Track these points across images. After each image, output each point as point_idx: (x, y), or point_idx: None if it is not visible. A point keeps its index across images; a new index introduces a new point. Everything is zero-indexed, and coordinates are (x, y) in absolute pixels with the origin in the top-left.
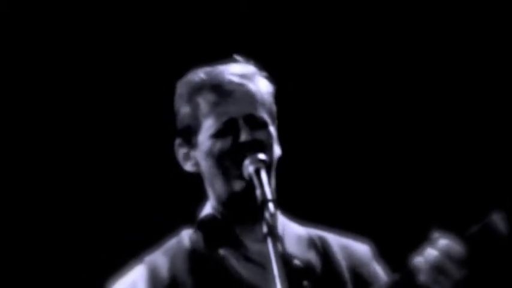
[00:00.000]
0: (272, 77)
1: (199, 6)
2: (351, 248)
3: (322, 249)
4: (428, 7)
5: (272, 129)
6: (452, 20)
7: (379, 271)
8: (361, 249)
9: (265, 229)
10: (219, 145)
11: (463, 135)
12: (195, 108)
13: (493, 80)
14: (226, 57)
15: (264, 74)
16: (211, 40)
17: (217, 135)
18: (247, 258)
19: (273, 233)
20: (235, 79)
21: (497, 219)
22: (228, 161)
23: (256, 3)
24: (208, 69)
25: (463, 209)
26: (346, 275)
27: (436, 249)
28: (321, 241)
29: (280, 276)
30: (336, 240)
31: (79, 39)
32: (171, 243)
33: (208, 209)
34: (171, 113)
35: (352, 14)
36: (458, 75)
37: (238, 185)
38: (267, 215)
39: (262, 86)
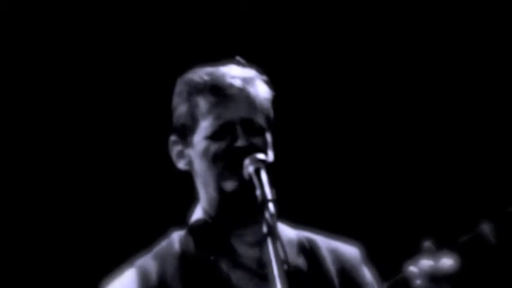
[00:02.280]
0: (270, 78)
1: (200, 6)
2: (340, 251)
3: (311, 253)
4: (428, 7)
5: (268, 135)
6: (453, 20)
7: (368, 275)
8: (351, 252)
9: (265, 229)
10: (214, 147)
11: (453, 146)
12: (194, 107)
13: (491, 89)
14: (225, 57)
15: (264, 78)
16: (211, 40)
17: (213, 137)
18: (238, 264)
19: (273, 233)
20: (236, 82)
21: (486, 229)
22: (222, 164)
23: (256, 3)
24: (209, 69)
25: (454, 218)
26: (335, 280)
27: (429, 258)
28: (310, 244)
29: (280, 276)
30: (326, 243)
31: (79, 39)
32: (162, 246)
33: (199, 212)
34: (166, 114)
35: (352, 14)
36: (456, 81)
37: (229, 185)
38: (267, 215)
39: (261, 91)
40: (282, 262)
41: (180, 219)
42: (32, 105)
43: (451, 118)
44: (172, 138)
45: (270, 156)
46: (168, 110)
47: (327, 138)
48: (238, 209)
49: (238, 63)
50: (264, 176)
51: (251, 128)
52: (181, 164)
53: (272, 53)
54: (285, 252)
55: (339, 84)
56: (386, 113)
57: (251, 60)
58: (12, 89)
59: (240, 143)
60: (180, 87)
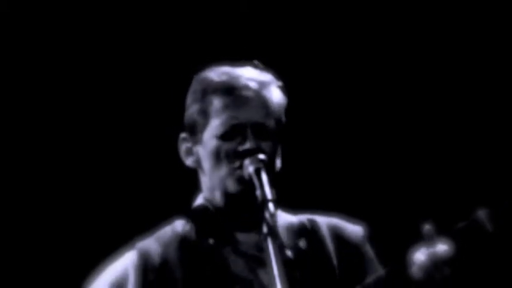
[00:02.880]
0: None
1: (200, 6)
2: (341, 229)
3: (312, 233)
4: (428, 7)
5: (277, 140)
6: (453, 20)
7: (370, 254)
8: (353, 230)
9: (265, 229)
10: (223, 147)
11: (454, 134)
12: (207, 105)
13: (491, 81)
14: (225, 57)
15: (280, 83)
16: (211, 40)
17: (223, 137)
18: (238, 250)
19: (273, 233)
20: (252, 85)
21: (483, 216)
22: (229, 165)
23: (256, 3)
24: (226, 69)
25: (450, 205)
26: (334, 258)
27: (428, 244)
28: (312, 224)
29: (280, 276)
30: (327, 222)
31: (83, 38)
32: (164, 231)
33: (200, 200)
34: (167, 107)
35: (352, 14)
36: (456, 78)
37: (234, 187)
38: (267, 215)
39: (276, 96)
40: (282, 262)
41: (183, 207)
42: (33, 105)
43: (451, 109)
44: (182, 135)
45: (278, 163)
46: (178, 107)
47: (329, 129)
48: (242, 210)
49: (255, 66)
50: (264, 176)
51: (261, 132)
52: (189, 161)
53: (272, 54)
54: (284, 251)
55: (340, 82)
56: (385, 104)
57: (251, 60)
58: (12, 89)
59: (249, 145)
60: (195, 85)
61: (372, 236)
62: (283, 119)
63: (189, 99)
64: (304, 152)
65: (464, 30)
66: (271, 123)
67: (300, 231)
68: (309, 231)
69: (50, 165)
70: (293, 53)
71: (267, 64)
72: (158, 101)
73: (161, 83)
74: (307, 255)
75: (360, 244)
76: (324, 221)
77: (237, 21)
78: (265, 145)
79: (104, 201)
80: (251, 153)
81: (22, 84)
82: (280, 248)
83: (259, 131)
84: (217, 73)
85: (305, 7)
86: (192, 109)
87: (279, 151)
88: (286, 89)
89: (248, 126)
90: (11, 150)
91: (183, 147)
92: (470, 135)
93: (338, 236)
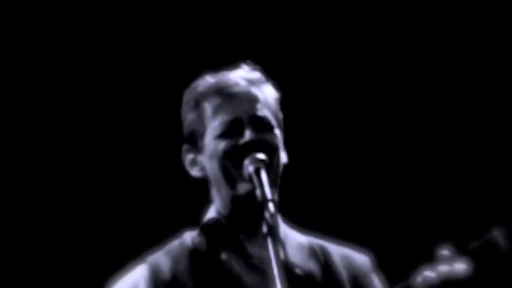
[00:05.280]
0: (271, 78)
1: (199, 7)
2: (351, 258)
3: (323, 259)
4: (428, 7)
5: (278, 132)
6: (452, 20)
7: (378, 283)
8: (361, 260)
9: (265, 229)
10: (223, 145)
11: (465, 152)
12: (201, 112)
13: (494, 85)
14: (226, 57)
15: (270, 81)
16: (211, 40)
17: (222, 135)
18: (250, 264)
19: (273, 233)
20: (241, 82)
21: (498, 235)
22: (231, 162)
23: (256, 3)
24: (214, 75)
25: (465, 224)
26: (347, 286)
27: (442, 263)
28: (322, 250)
29: (280, 276)
30: (337, 250)
31: (81, 43)
32: (174, 244)
33: (212, 212)
34: (175, 118)
35: (352, 14)
36: (458, 80)
37: (242, 188)
38: (267, 214)
39: (267, 92)
40: (282, 262)
41: (192, 221)
42: (33, 105)
43: (465, 125)
44: (184, 147)
45: (283, 156)
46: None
47: (337, 144)
48: (252, 210)
49: (244, 67)
50: (263, 175)
51: (259, 124)
52: (194, 172)
53: (272, 54)
54: (287, 258)
55: (341, 84)
56: (398, 122)
57: (251, 60)
58: (12, 89)
59: (248, 136)
60: (187, 96)
61: (378, 263)
62: (280, 114)
63: (183, 110)
64: (311, 166)
65: (464, 30)
66: (268, 115)
67: (310, 254)
68: (319, 257)
69: (57, 177)
70: (293, 53)
71: (266, 64)
72: (168, 114)
73: (170, 92)
74: (319, 278)
75: (368, 273)
76: (334, 249)
77: (237, 21)
78: (265, 135)
79: (115, 216)
80: (252, 144)
81: (22, 85)
82: (289, 265)
83: (257, 123)
84: (205, 80)
85: (304, 7)
86: (188, 120)
87: (282, 144)
88: (286, 91)
89: (245, 121)
90: (13, 158)
91: (187, 158)
92: (487, 151)
93: (349, 264)
